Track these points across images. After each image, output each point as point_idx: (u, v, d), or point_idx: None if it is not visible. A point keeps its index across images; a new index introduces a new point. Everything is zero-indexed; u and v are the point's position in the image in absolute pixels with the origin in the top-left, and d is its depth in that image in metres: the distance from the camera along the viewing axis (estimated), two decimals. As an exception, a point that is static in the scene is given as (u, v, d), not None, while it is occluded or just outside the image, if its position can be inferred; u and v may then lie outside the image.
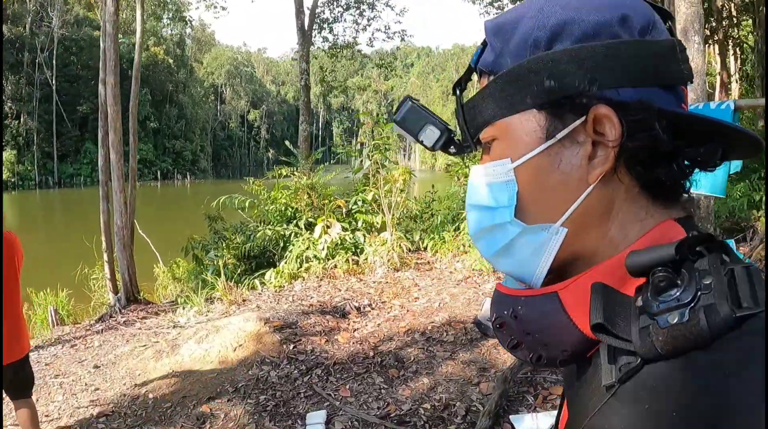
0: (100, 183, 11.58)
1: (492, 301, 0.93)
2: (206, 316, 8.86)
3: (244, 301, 9.15)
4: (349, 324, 7.60)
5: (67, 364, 8.12)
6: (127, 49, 78.76)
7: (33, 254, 26.55)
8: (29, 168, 73.92)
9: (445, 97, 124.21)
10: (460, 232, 10.80)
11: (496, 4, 34.24)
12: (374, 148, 11.39)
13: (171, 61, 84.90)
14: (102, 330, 9.74)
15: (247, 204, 12.05)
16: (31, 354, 8.74)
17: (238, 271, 10.85)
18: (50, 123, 75.10)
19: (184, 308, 9.48)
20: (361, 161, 12.23)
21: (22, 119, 74.40)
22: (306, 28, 22.05)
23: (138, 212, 12.74)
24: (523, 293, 0.86)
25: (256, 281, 10.04)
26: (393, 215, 10.38)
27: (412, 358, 6.42)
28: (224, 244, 11.64)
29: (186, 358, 6.93)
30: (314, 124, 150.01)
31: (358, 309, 8.11)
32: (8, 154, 71.51)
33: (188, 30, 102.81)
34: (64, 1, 78.61)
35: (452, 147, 0.99)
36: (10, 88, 73.40)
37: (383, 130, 12.09)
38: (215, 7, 27.11)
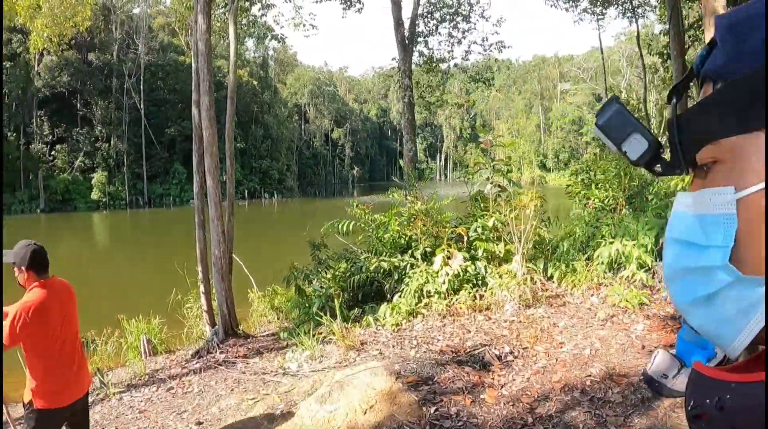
0: (196, 210, 11.05)
1: (690, 383, 0.78)
2: (320, 361, 7.91)
3: (362, 344, 8.12)
4: (493, 378, 6.42)
5: (164, 414, 7.36)
6: (212, 72, 79.93)
7: (125, 277, 26.30)
8: (120, 188, 75.56)
9: (528, 110, 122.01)
10: (592, 263, 9.44)
11: (591, 9, 32.72)
12: (493, 170, 10.19)
13: (255, 82, 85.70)
14: (200, 369, 8.97)
15: (351, 228, 10.99)
16: (123, 395, 8.33)
17: (344, 302, 9.83)
18: (139, 145, 76.68)
19: (293, 351, 8.49)
20: (473, 182, 11.02)
21: (112, 142, 76.18)
22: (406, 41, 20.94)
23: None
24: (735, 378, 0.70)
25: (370, 318, 8.98)
26: (524, 245, 9.10)
27: (581, 426, 5.23)
28: (329, 274, 10.65)
29: (307, 421, 5.86)
30: (396, 140, 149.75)
31: (499, 357, 6.92)
32: (99, 176, 73.54)
33: (271, 52, 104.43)
34: (149, 28, 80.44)
35: (658, 165, 0.82)
36: (99, 112, 75.56)
37: (473, 149, 10.96)
38: (304, 26, 26.46)
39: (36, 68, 74.33)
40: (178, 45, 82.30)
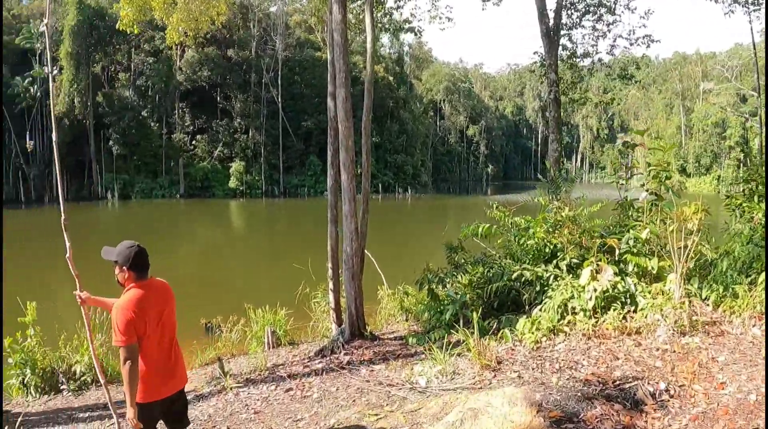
0: (329, 205, 10.70)
1: None
2: (452, 379, 7.13)
3: (499, 363, 7.29)
4: (646, 420, 5.35)
5: (279, 419, 6.89)
6: (350, 67, 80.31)
7: (255, 265, 26.20)
8: (256, 178, 77.93)
9: (669, 110, 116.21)
10: (756, 288, 8.11)
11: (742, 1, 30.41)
12: (649, 175, 9.07)
13: (391, 78, 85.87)
14: (322, 370, 8.48)
15: (491, 231, 10.21)
16: (240, 389, 8.21)
17: (478, 310, 9.06)
18: (276, 137, 78.71)
19: (423, 364, 7.77)
20: (625, 188, 9.97)
21: (250, 134, 78.66)
22: (551, 33, 19.79)
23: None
24: None
25: (507, 332, 8.17)
26: (684, 264, 7.90)
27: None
28: (464, 279, 9.95)
29: (433, 452, 5.18)
30: (532, 139, 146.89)
31: (653, 395, 5.85)
32: (237, 165, 76.30)
33: (406, 48, 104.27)
34: (286, 25, 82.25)
35: None
36: (238, 105, 78.17)
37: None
38: (440, 19, 25.75)
39: (178, 63, 77.65)
40: (315, 41, 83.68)
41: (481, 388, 6.58)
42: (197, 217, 58.27)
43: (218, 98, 79.67)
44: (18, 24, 79.10)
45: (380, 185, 79.31)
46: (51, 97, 6.55)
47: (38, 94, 74.09)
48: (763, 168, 11.36)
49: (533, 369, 6.99)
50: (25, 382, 9.52)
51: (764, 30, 19.69)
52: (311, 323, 12.51)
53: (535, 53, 22.48)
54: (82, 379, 9.15)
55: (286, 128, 78.51)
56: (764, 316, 7.38)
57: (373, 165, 78.81)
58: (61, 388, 9.37)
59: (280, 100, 77.86)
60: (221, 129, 78.34)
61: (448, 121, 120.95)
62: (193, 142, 78.47)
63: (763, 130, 37.18)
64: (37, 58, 75.24)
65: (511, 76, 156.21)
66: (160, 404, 4.92)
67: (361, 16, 20.00)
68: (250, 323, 12.19)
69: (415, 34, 26.44)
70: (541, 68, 21.61)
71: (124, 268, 4.75)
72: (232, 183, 75.62)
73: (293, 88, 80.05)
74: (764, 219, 9.28)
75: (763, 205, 9.92)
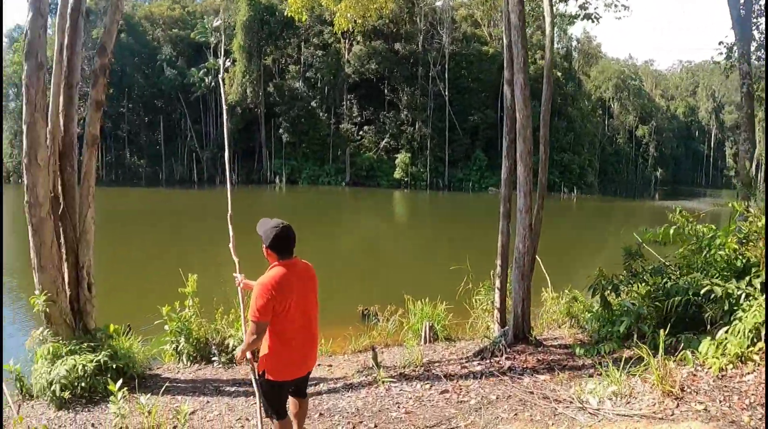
0: (502, 198, 9.74)
1: None
2: (627, 402, 6.13)
3: (681, 390, 6.16)
4: None
5: (431, 423, 6.31)
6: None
7: (416, 255, 25.42)
8: (421, 170, 77.60)
9: None
10: None
11: None
12: None
13: (559, 74, 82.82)
14: (481, 373, 7.78)
15: (671, 237, 8.70)
16: (393, 385, 7.81)
17: (654, 325, 7.58)
18: (442, 130, 78.04)
19: (595, 381, 6.70)
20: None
21: (417, 126, 78.45)
22: (744, 19, 17.49)
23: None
24: None
25: (688, 354, 6.90)
26: None
27: None
28: (642, 290, 8.55)
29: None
30: (704, 143, 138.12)
31: None
32: (403, 157, 76.62)
33: (574, 43, 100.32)
34: (452, 20, 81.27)
35: None
36: (405, 98, 78.33)
37: None
38: (615, 6, 23.63)
39: (346, 56, 79.16)
40: (481, 36, 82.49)
41: (662, 418, 5.65)
42: (361, 205, 58.97)
43: (385, 91, 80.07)
44: (193, 20, 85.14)
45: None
46: (222, 88, 7.97)
47: (212, 83, 79.02)
48: None
49: (720, 402, 5.93)
50: (179, 349, 9.89)
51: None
52: (470, 320, 11.72)
53: (720, 43, 20.33)
54: (234, 352, 8.86)
55: (452, 122, 77.75)
56: (765, 318, 6.58)
57: (538, 162, 76.43)
58: (213, 359, 9.60)
59: (446, 93, 77.11)
60: (388, 121, 78.88)
61: (616, 120, 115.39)
62: (360, 133, 79.62)
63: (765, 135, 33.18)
64: (211, 51, 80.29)
65: (683, 74, 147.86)
66: (291, 383, 5.10)
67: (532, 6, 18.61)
68: (407, 314, 11.68)
69: (592, 21, 24.46)
70: (727, 60, 19.43)
71: (265, 246, 4.84)
72: (397, 174, 75.89)
73: (460, 82, 79.06)
74: (764, 219, 7.76)
75: None
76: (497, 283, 9.90)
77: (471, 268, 12.12)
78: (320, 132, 78.16)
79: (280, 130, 77.76)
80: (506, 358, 8.22)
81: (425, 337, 10.68)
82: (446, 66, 77.75)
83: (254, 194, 65.32)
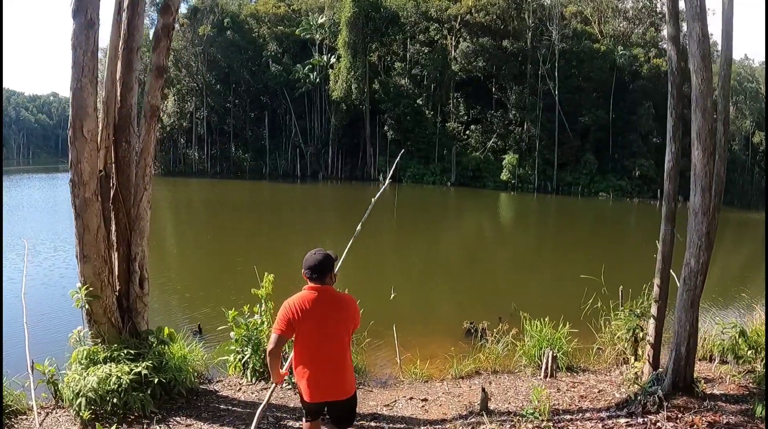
0: (665, 197, 8.04)
1: None
2: None
3: None
4: None
5: None
6: (628, 61, 76.60)
7: (526, 264, 23.33)
8: (529, 172, 74.76)
9: None
10: None
11: None
12: None
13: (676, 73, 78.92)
14: None
15: None
16: None
17: None
18: (552, 131, 74.92)
19: None
20: None
21: (525, 126, 75.75)
22: None
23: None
24: None
25: None
26: None
27: None
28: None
29: None
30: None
31: None
32: (510, 157, 73.62)
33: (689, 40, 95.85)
34: (561, 16, 78.43)
35: None
36: (514, 97, 75.81)
37: None
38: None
39: (452, 54, 77.45)
40: (592, 33, 79.74)
41: None
42: (466, 206, 57.24)
43: (493, 89, 77.93)
44: (298, 17, 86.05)
45: (659, 190, 72.29)
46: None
47: (317, 80, 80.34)
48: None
49: None
50: (244, 361, 8.52)
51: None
52: (594, 347, 9.97)
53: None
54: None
55: (562, 123, 74.82)
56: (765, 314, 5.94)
57: (651, 168, 73.83)
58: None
59: (556, 92, 74.22)
60: (495, 120, 76.53)
61: (732, 125, 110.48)
62: (467, 132, 77.45)
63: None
64: (316, 47, 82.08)
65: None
66: (316, 405, 5.21)
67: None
68: (521, 334, 9.94)
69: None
70: None
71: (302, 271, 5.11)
72: (504, 175, 73.18)
73: (570, 81, 75.89)
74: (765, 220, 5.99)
75: None
76: (653, 309, 7.80)
77: (596, 282, 10.41)
78: (426, 130, 76.86)
79: (385, 128, 76.98)
80: (666, 418, 6.22)
81: (546, 369, 8.78)
82: (556, 64, 74.75)
83: (358, 190, 65.68)
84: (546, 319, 9.81)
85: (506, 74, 76.48)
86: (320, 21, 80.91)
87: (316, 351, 5.02)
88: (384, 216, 34.17)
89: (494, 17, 75.21)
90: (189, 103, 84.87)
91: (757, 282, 17.49)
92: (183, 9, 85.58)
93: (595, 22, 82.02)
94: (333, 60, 79.89)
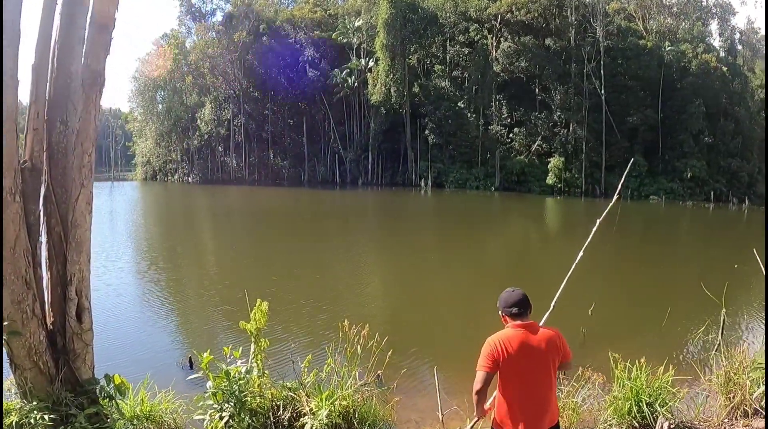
0: None
1: None
2: None
3: None
4: None
5: None
6: (676, 57, 73.62)
7: (587, 279, 20.26)
8: (576, 175, 72.29)
9: None
10: None
11: None
12: None
13: (724, 68, 75.90)
14: None
15: None
16: None
17: None
18: (599, 133, 72.36)
19: None
20: None
21: (571, 128, 73.07)
22: None
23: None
24: None
25: None
26: None
27: None
28: None
29: None
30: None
31: None
32: (556, 161, 71.40)
33: (737, 35, 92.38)
34: (605, 12, 75.72)
35: None
36: (558, 97, 73.44)
37: None
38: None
39: (494, 54, 75.86)
40: (637, 29, 77.26)
41: None
42: (511, 212, 54.94)
43: (536, 90, 75.86)
44: (335, 22, 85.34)
45: (711, 193, 70.23)
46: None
47: (355, 84, 79.56)
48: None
49: None
50: (225, 421, 6.24)
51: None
52: (702, 393, 7.60)
53: None
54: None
55: (609, 123, 72.28)
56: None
57: (704, 169, 70.78)
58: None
59: (602, 92, 71.57)
60: (539, 122, 74.07)
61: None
62: (510, 135, 75.40)
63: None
64: (354, 51, 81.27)
65: None
66: None
67: None
68: (608, 380, 7.41)
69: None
70: None
71: (500, 312, 5.05)
72: (550, 179, 70.88)
73: (616, 80, 73.35)
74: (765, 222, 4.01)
75: None
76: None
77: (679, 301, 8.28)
78: (468, 134, 74.90)
79: (426, 132, 75.34)
80: None
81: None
82: (601, 62, 72.16)
83: (400, 196, 64.61)
84: (642, 361, 7.24)
85: (550, 74, 74.27)
86: (357, 24, 79.73)
87: (522, 391, 4.87)
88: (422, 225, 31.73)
89: (536, 15, 73.38)
90: (226, 111, 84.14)
91: None
92: (218, 16, 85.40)
93: (639, 19, 79.52)
94: (371, 63, 78.55)
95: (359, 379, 6.91)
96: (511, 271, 24.22)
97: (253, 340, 6.69)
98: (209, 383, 6.41)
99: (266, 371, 6.68)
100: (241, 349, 6.69)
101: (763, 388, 6.78)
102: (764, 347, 5.78)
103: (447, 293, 19.34)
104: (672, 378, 7.19)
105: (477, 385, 4.86)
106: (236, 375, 6.34)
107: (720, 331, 7.97)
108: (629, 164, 10.29)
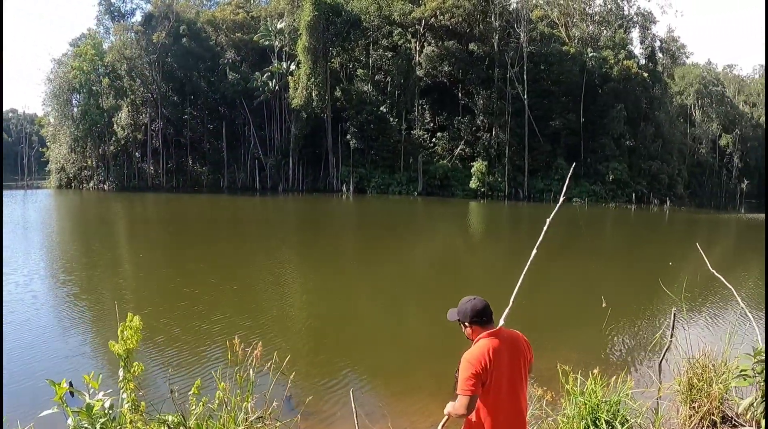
0: None
1: None
2: None
3: None
4: None
5: None
6: (598, 63, 74.49)
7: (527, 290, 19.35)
8: (499, 179, 72.61)
9: None
10: None
11: None
12: None
13: (645, 74, 77.14)
14: None
15: None
16: None
17: None
18: (521, 137, 72.85)
19: None
20: None
21: (494, 132, 73.51)
22: None
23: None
24: None
25: None
26: None
27: None
28: None
29: None
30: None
31: None
32: (479, 165, 71.55)
33: (657, 43, 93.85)
34: (528, 19, 76.24)
35: None
36: (481, 102, 73.66)
37: None
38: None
39: (417, 58, 75.78)
40: (559, 36, 78.04)
41: None
42: (434, 217, 54.03)
43: (459, 94, 75.92)
44: (256, 24, 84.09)
45: (633, 195, 71.18)
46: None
47: (276, 88, 78.22)
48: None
49: None
50: None
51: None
52: (662, 404, 6.71)
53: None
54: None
55: (531, 128, 72.83)
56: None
57: (625, 171, 72.09)
58: None
59: (525, 96, 72.12)
60: (463, 126, 74.28)
61: (698, 128, 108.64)
62: (433, 140, 75.52)
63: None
64: (275, 54, 79.79)
65: (763, 79, 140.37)
66: None
67: None
68: (558, 395, 6.53)
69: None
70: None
71: (466, 324, 4.66)
72: (473, 183, 70.89)
73: (539, 85, 74.32)
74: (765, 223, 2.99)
75: None
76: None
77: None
78: (391, 138, 74.40)
79: (348, 136, 74.45)
80: None
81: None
82: (524, 67, 72.87)
83: (321, 203, 63.63)
84: (596, 371, 6.33)
85: (473, 78, 74.66)
86: (279, 26, 78.17)
87: (506, 401, 4.53)
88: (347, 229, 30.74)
89: (460, 20, 73.30)
90: (143, 115, 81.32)
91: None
92: (138, 16, 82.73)
93: (562, 26, 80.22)
94: (293, 67, 76.98)
95: (257, 410, 5.84)
96: (435, 276, 23.32)
97: (122, 364, 5.43)
98: (69, 420, 5.11)
99: (143, 402, 5.40)
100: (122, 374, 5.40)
101: (749, 398, 5.75)
102: (764, 346, 5.40)
103: (370, 302, 18.13)
104: (631, 390, 6.39)
105: (460, 410, 4.38)
106: (99, 411, 5.15)
107: (671, 331, 6.92)
108: (571, 168, 9.81)
